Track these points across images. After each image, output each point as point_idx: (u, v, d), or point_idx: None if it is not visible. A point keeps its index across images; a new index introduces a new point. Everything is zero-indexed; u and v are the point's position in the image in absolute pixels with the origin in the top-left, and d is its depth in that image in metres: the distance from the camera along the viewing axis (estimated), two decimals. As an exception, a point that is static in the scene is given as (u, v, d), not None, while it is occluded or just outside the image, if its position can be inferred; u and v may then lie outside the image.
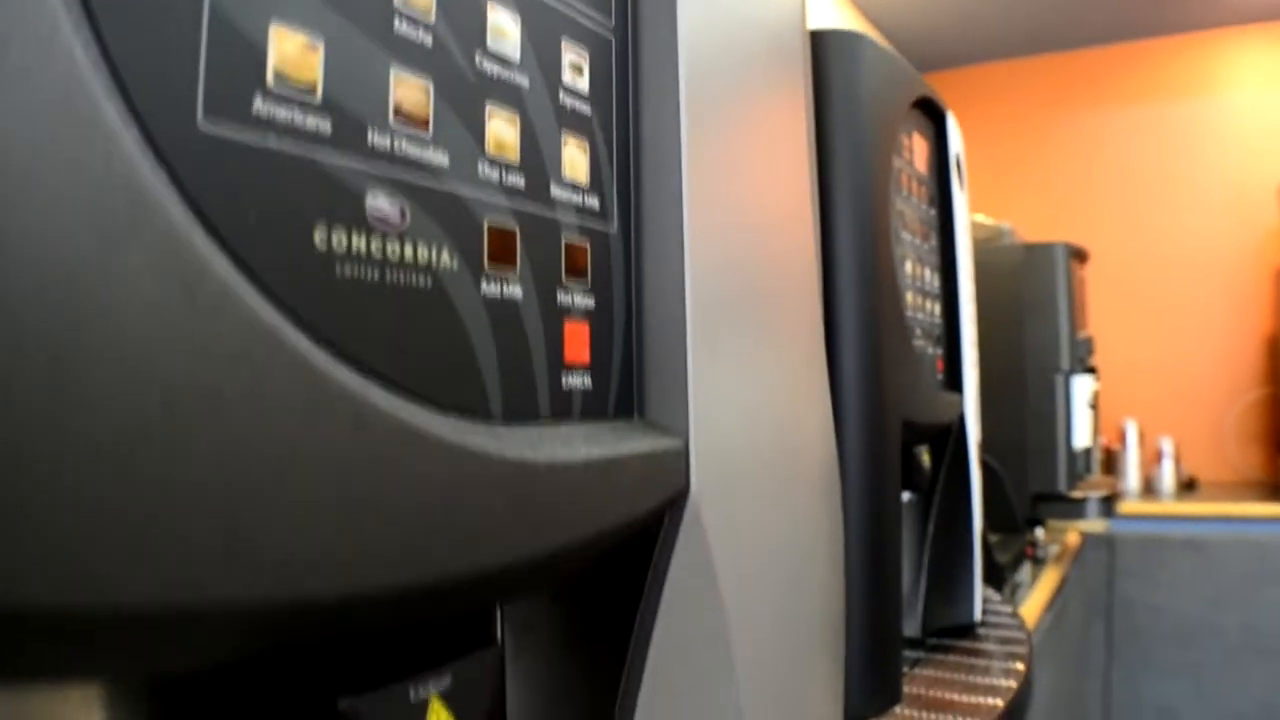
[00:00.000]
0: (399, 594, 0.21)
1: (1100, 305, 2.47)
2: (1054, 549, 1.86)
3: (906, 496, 0.81)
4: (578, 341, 0.29)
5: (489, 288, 0.26)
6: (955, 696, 0.73)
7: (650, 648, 0.31)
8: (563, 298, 0.29)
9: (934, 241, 0.81)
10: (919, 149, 0.79)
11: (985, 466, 0.99)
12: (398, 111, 0.24)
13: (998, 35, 3.14)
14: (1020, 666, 0.80)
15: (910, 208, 0.75)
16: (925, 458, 0.77)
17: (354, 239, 0.22)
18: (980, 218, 1.94)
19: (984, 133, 3.18)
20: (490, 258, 0.26)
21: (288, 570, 0.19)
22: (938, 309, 0.81)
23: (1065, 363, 1.77)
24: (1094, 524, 2.22)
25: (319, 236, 0.21)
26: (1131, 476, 2.86)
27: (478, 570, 0.23)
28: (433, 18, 0.25)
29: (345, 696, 0.23)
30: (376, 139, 0.23)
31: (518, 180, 0.28)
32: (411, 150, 0.24)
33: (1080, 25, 3.08)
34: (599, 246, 0.31)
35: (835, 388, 0.56)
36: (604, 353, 0.31)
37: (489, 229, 0.26)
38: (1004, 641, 0.88)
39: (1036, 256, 1.79)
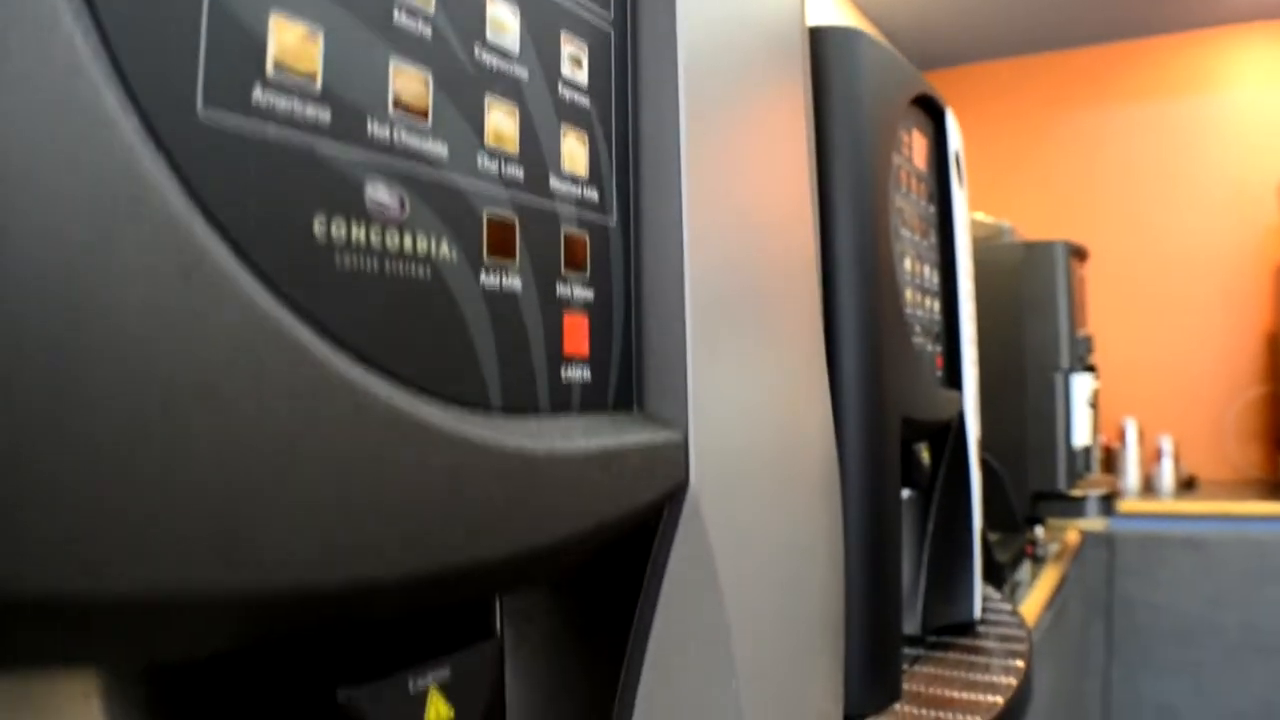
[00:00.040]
0: (398, 584, 0.21)
1: (1100, 303, 2.47)
2: (1054, 547, 1.86)
3: (906, 493, 0.81)
4: (577, 333, 0.29)
5: (488, 279, 0.26)
6: (955, 694, 0.73)
7: (650, 641, 0.31)
8: (562, 290, 0.29)
9: (933, 239, 0.81)
10: (918, 146, 0.79)
11: (985, 465, 1.00)
12: (397, 103, 0.24)
13: (997, 34, 3.14)
14: (1020, 664, 0.80)
15: (909, 204, 0.75)
16: (925, 455, 0.77)
17: (353, 229, 0.22)
18: (980, 216, 1.94)
19: (984, 131, 3.18)
20: (489, 249, 0.26)
21: (286, 559, 0.19)
22: (937, 306, 0.81)
23: (1065, 361, 1.77)
24: (1094, 522, 2.22)
25: (318, 226, 0.21)
26: (1131, 475, 2.86)
27: (477, 560, 0.23)
28: (432, 9, 0.25)
29: (344, 687, 0.23)
30: (376, 130, 0.23)
31: (517, 172, 0.28)
32: (411, 141, 0.24)
33: (1080, 23, 3.08)
34: (598, 239, 0.31)
35: (835, 384, 0.56)
36: (603, 345, 0.31)
37: (488, 220, 0.26)
38: (1004, 639, 0.88)
39: (1036, 255, 1.79)
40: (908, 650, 0.82)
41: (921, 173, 0.79)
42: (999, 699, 0.71)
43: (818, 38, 0.65)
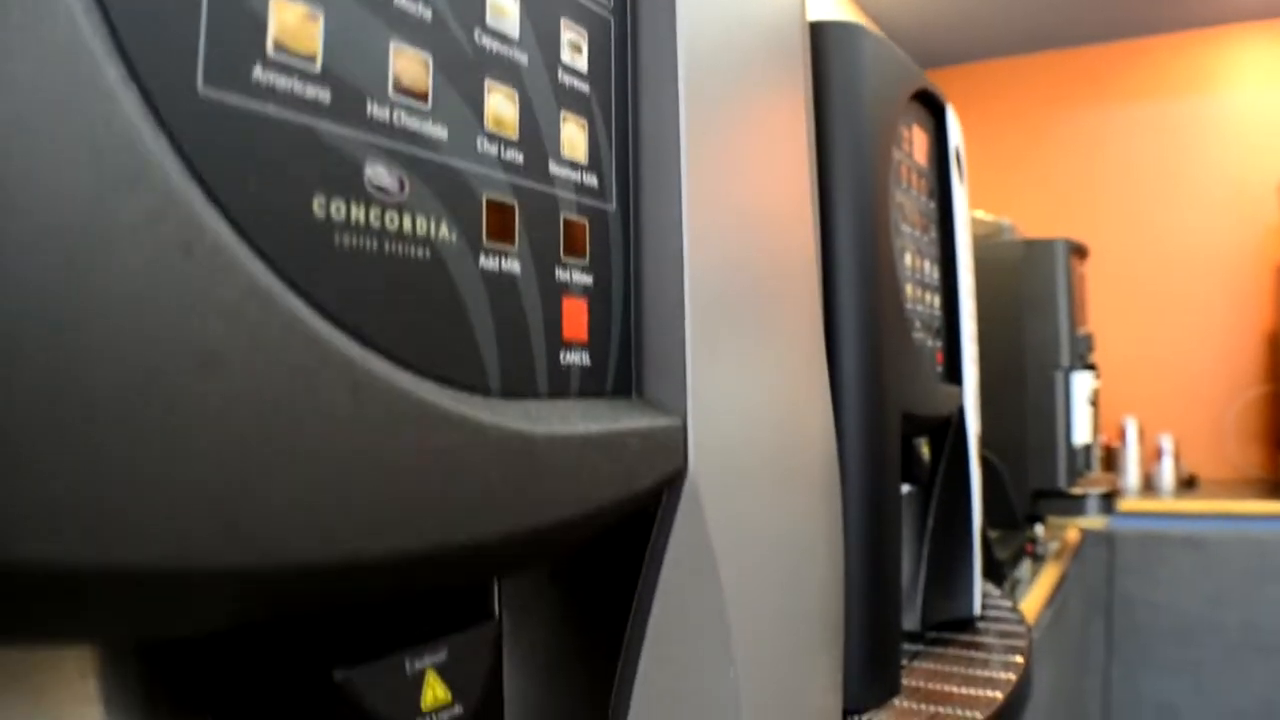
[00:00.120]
0: (396, 562, 0.21)
1: (1100, 302, 2.47)
2: (1054, 546, 1.86)
3: (906, 489, 0.81)
4: (576, 318, 0.29)
5: (487, 262, 0.26)
6: (954, 689, 0.73)
7: (648, 628, 0.31)
8: (561, 274, 0.29)
9: (933, 234, 0.81)
10: (918, 141, 0.79)
11: (985, 462, 1.00)
12: (397, 84, 0.24)
13: (998, 32, 3.14)
14: (1020, 660, 0.80)
15: (910, 200, 0.75)
16: (925, 450, 0.78)
17: (353, 209, 0.22)
18: (980, 214, 1.94)
19: (984, 129, 3.18)
20: (489, 232, 0.26)
21: (284, 534, 0.19)
22: (937, 302, 0.81)
23: (1065, 359, 1.77)
24: (1094, 521, 2.22)
25: (318, 205, 0.21)
26: (1131, 474, 2.86)
27: (474, 540, 0.23)
28: (432, -8, 0.25)
29: (341, 667, 0.23)
30: (375, 110, 0.23)
31: (516, 156, 0.28)
32: (410, 123, 0.24)
33: (1080, 23, 3.08)
34: (597, 224, 0.31)
35: (835, 377, 0.56)
36: (602, 330, 0.31)
37: (488, 203, 0.26)
38: (1003, 635, 0.88)
39: (1036, 252, 1.79)
40: (907, 646, 0.82)
41: (922, 168, 0.79)
42: (998, 694, 0.71)
43: (818, 32, 0.65)
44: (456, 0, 0.26)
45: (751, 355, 0.38)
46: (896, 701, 0.68)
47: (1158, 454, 2.88)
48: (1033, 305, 1.77)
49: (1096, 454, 2.11)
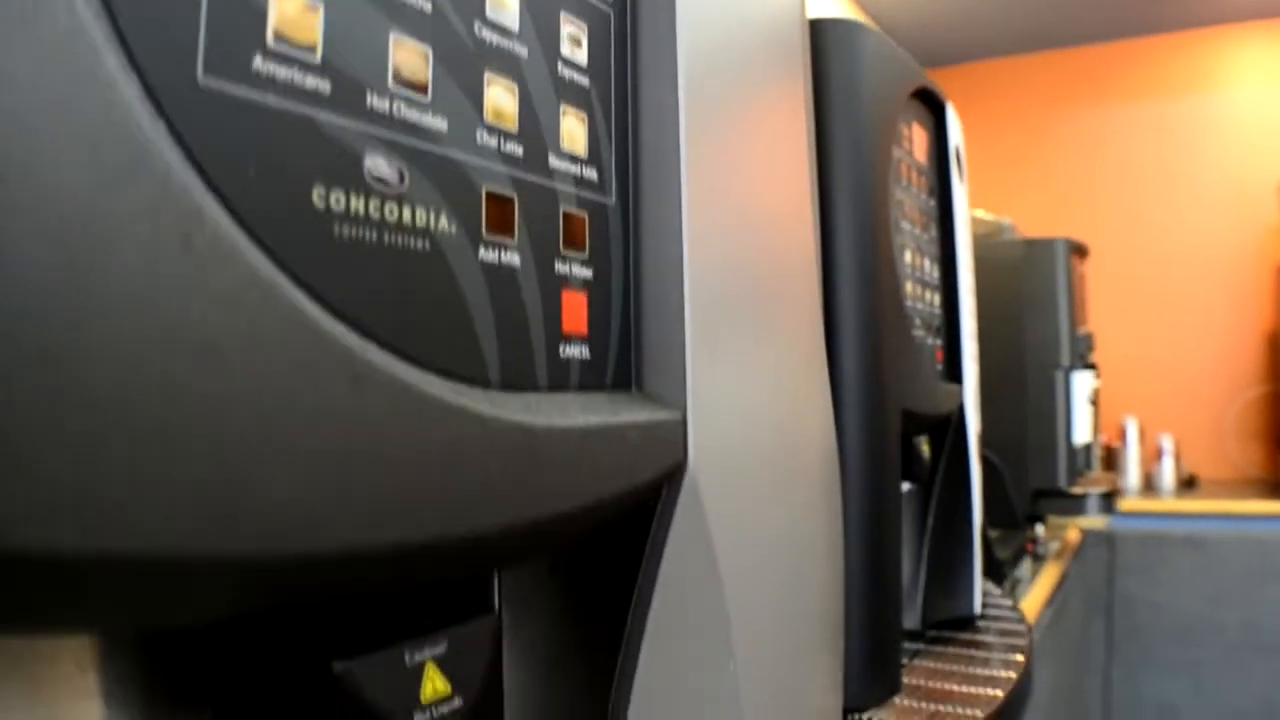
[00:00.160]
0: (395, 553, 0.21)
1: (1100, 301, 2.47)
2: (1054, 545, 1.86)
3: (906, 487, 0.81)
4: (576, 311, 0.29)
5: (487, 254, 0.26)
6: (955, 687, 0.73)
7: (648, 622, 0.31)
8: (561, 267, 0.29)
9: (933, 232, 0.81)
10: (918, 139, 0.79)
11: (985, 462, 0.99)
12: (396, 76, 0.24)
13: (998, 32, 3.15)
14: (1020, 658, 0.80)
15: (910, 197, 0.75)
16: (925, 448, 0.77)
17: (352, 199, 0.22)
18: (981, 213, 1.94)
19: (985, 129, 3.18)
20: (488, 225, 0.26)
21: (283, 523, 0.19)
22: (937, 300, 0.81)
23: (1065, 359, 1.76)
24: (1094, 520, 2.22)
25: (317, 195, 0.21)
26: (1132, 474, 2.86)
27: (474, 532, 0.23)
28: (431, -16, 0.25)
29: (340, 659, 0.23)
30: (375, 101, 0.23)
31: (516, 149, 0.28)
32: (410, 114, 0.24)
33: (1080, 22, 3.08)
34: (597, 218, 0.31)
35: (835, 374, 0.56)
36: (602, 324, 0.31)
37: (487, 195, 0.26)
38: (1004, 634, 0.88)
39: (1037, 252, 1.79)
40: (907, 645, 0.82)
41: (922, 166, 0.79)
42: (999, 692, 0.71)
43: (818, 30, 0.65)
44: (456, -7, 0.26)
45: (751, 352, 0.38)
46: (897, 700, 0.68)
47: (1158, 454, 2.88)
48: (1033, 305, 1.77)
49: (1097, 454, 2.10)
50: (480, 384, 0.25)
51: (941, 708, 0.68)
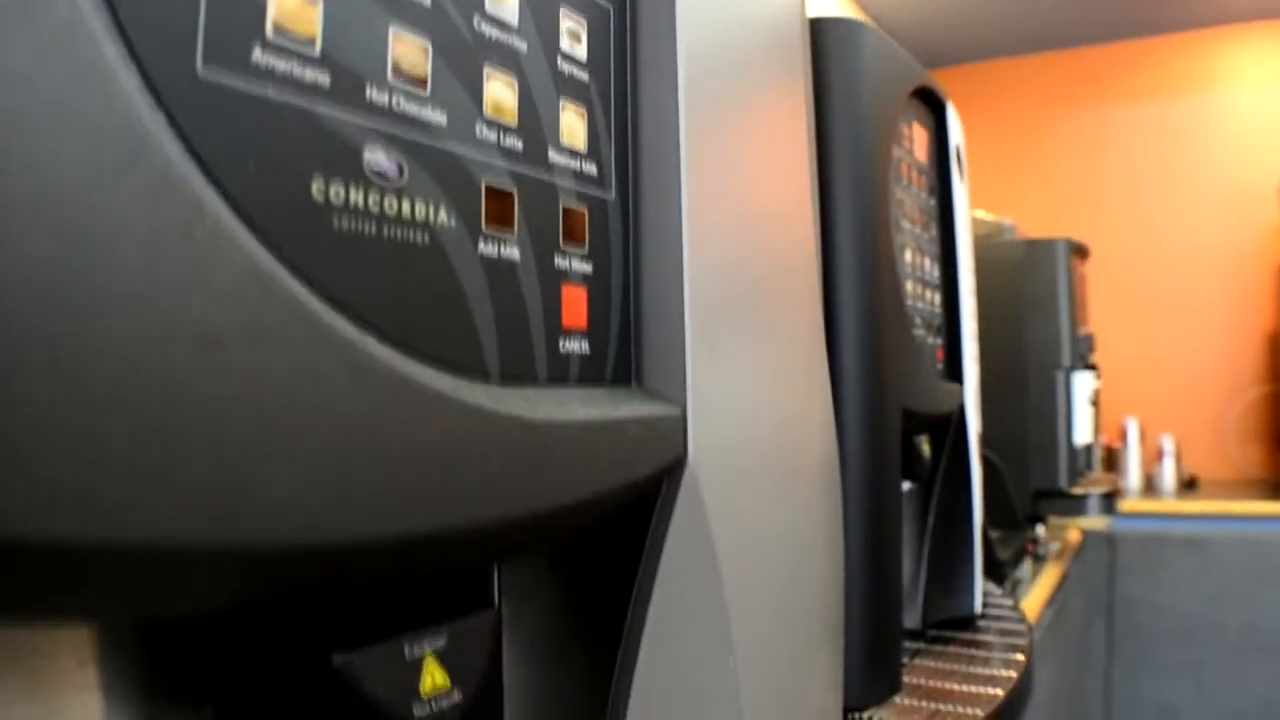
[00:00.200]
0: (394, 544, 0.21)
1: (1101, 302, 2.47)
2: (1055, 546, 1.86)
3: (906, 486, 0.81)
4: (575, 306, 0.29)
5: (486, 248, 0.26)
6: (955, 686, 0.72)
7: (648, 617, 0.31)
8: (560, 262, 0.29)
9: (934, 232, 0.81)
10: (919, 138, 0.79)
11: (986, 462, 0.99)
12: (396, 69, 0.24)
13: (999, 33, 3.15)
14: (1021, 658, 0.80)
15: (910, 196, 0.75)
16: (925, 447, 0.77)
17: (352, 192, 0.22)
18: (981, 214, 1.94)
19: (986, 129, 3.18)
20: (488, 218, 0.26)
21: (282, 514, 0.19)
22: (938, 299, 0.81)
23: (1066, 359, 1.76)
24: (1095, 521, 2.22)
25: (316, 188, 0.21)
26: (1132, 474, 2.85)
27: (473, 524, 0.23)
28: (431, -22, 0.25)
29: (340, 652, 0.23)
30: (375, 94, 0.23)
31: (515, 143, 0.28)
32: (409, 108, 0.24)
33: (1081, 23, 3.08)
34: (597, 213, 0.31)
35: (835, 373, 0.56)
36: (601, 319, 0.31)
37: (486, 189, 0.26)
38: (1004, 633, 0.87)
39: (1037, 252, 1.79)
40: (908, 644, 0.82)
41: (922, 165, 0.79)
42: (999, 691, 0.71)
43: (818, 28, 0.65)
44: (456, -13, 0.26)
45: (751, 349, 0.38)
46: (897, 699, 0.68)
47: (1159, 455, 2.88)
48: (1034, 305, 1.77)
49: (1097, 454, 2.10)
50: (479, 377, 0.25)
51: (942, 707, 0.68)
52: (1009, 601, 1.00)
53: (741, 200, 0.38)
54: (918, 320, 0.75)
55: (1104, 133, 3.24)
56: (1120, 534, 2.52)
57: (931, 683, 0.73)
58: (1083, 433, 1.78)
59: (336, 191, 0.22)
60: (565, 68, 0.30)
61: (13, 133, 0.16)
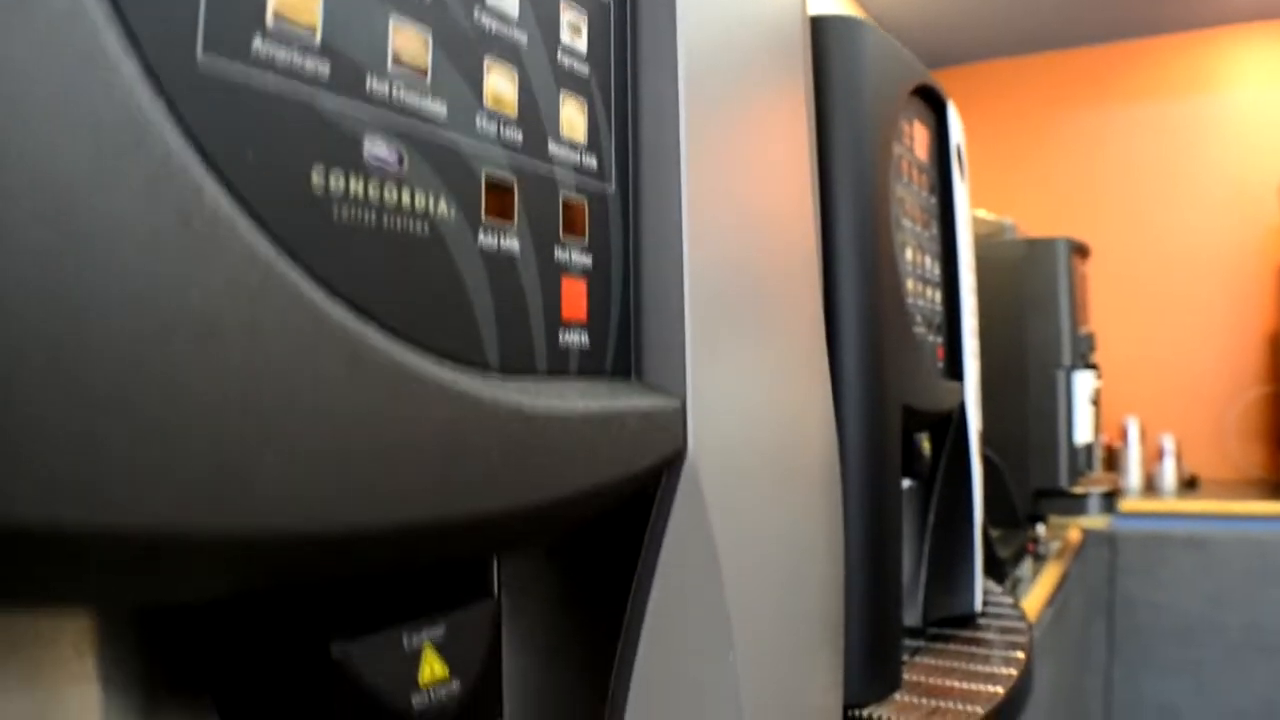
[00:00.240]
0: (392, 534, 0.21)
1: (1102, 301, 2.47)
2: (1055, 545, 1.86)
3: (907, 484, 0.81)
4: (575, 298, 0.29)
5: (486, 239, 0.26)
6: (955, 684, 0.72)
7: (648, 610, 0.31)
8: (560, 254, 0.29)
9: (934, 230, 0.81)
10: (919, 137, 0.79)
11: (987, 461, 0.99)
12: (396, 60, 0.24)
13: (1000, 33, 3.15)
14: (1021, 655, 0.80)
15: (910, 194, 0.75)
16: (925, 445, 0.77)
17: (352, 182, 0.22)
18: (982, 213, 1.94)
19: (986, 129, 3.18)
20: (488, 210, 0.26)
21: (280, 502, 0.19)
22: (938, 297, 0.81)
23: (1066, 358, 1.76)
24: (1095, 520, 2.22)
25: (316, 178, 0.21)
26: (1133, 474, 2.85)
27: (472, 515, 0.23)
28: (431, -29, 0.25)
29: (339, 641, 0.23)
30: (375, 85, 0.23)
31: (515, 135, 0.28)
32: (410, 99, 0.24)
33: (1082, 23, 3.08)
34: (597, 205, 0.31)
35: (835, 370, 0.56)
36: (601, 312, 0.31)
37: (487, 181, 0.26)
38: (1004, 631, 0.87)
39: (1038, 252, 1.79)
40: (908, 642, 0.82)
41: (923, 163, 0.79)
42: (999, 689, 0.71)
43: (819, 26, 0.65)
44: (456, -21, 0.26)
45: (751, 344, 0.38)
46: (897, 696, 0.68)
47: (1159, 454, 2.88)
48: (1034, 304, 1.77)
49: (1098, 454, 2.10)
50: (479, 368, 0.25)
51: (942, 704, 0.68)
52: (1009, 600, 1.00)
53: (742, 196, 0.38)
54: (918, 318, 0.75)
55: (1104, 133, 3.24)
56: (1121, 533, 2.52)
57: (931, 680, 0.73)
58: (1083, 432, 1.78)
59: (336, 181, 0.22)
60: (565, 61, 0.30)
61: (12, 122, 0.16)
